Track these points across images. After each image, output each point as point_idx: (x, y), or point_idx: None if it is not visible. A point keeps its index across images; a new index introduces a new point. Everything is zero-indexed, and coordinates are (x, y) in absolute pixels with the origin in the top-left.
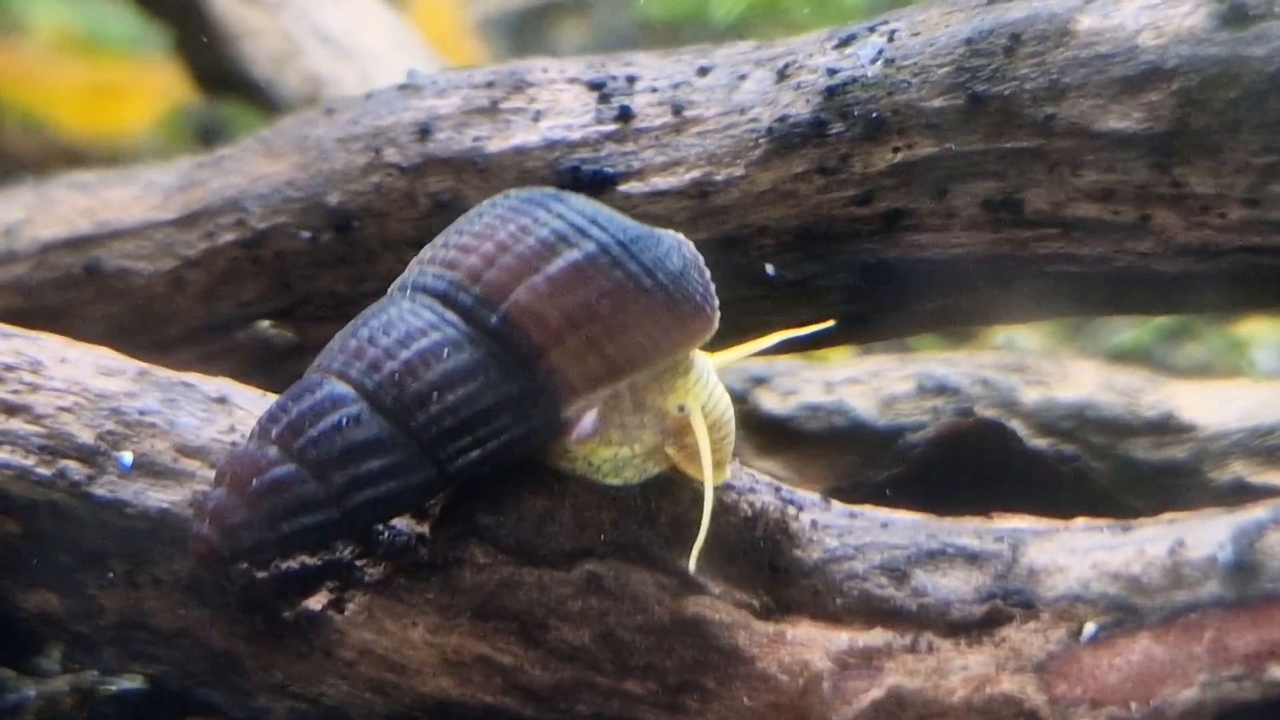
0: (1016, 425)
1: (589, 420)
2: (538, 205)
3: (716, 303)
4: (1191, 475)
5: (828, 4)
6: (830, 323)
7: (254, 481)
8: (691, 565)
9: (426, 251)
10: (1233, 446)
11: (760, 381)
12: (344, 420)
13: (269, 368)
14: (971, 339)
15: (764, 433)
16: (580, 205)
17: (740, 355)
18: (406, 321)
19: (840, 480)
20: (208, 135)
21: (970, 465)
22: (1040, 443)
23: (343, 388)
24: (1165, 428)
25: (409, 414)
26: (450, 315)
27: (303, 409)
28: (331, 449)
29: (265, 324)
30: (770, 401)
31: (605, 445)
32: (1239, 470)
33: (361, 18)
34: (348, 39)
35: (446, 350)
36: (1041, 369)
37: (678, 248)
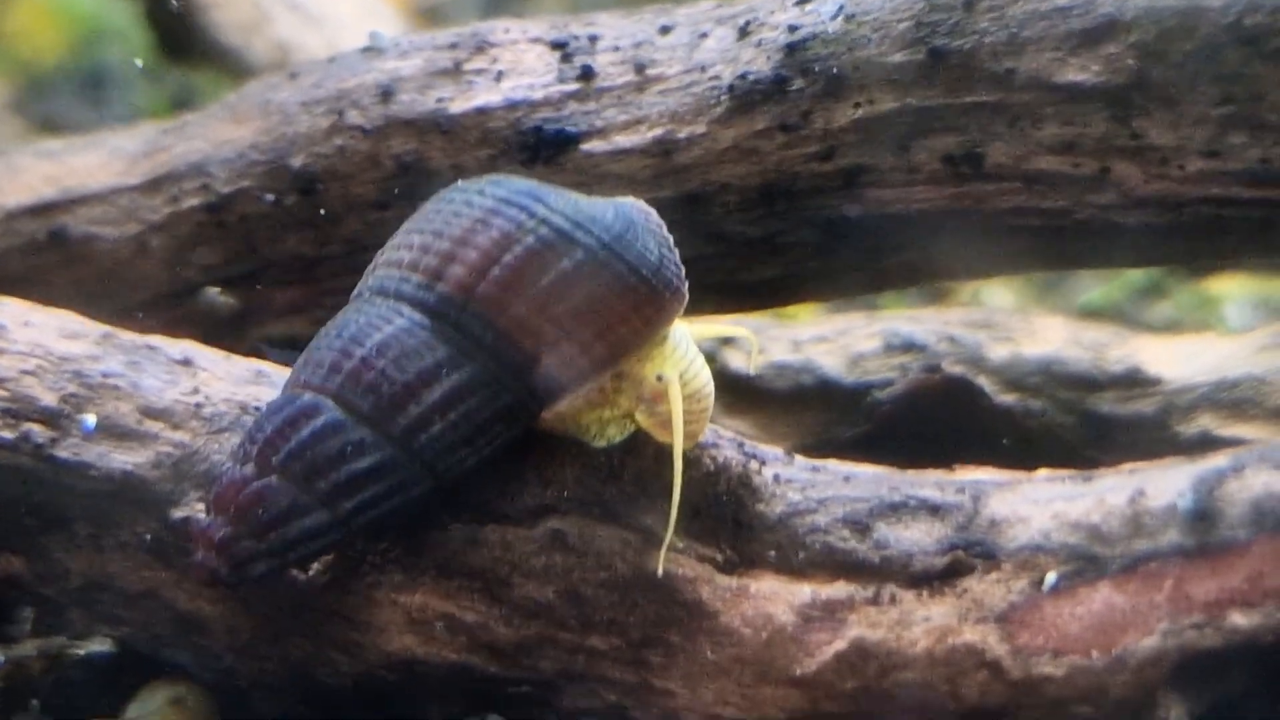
0: (984, 381)
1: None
2: (518, 207)
3: (684, 275)
4: (1158, 428)
5: None
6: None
7: (261, 512)
8: (665, 545)
9: (402, 253)
10: (1199, 400)
11: (728, 341)
12: (348, 448)
13: (217, 334)
14: (943, 297)
15: (732, 391)
16: (560, 204)
17: (716, 331)
18: (401, 342)
19: (808, 438)
20: None
21: (938, 421)
22: (1007, 398)
23: (340, 413)
24: (1132, 382)
25: (411, 436)
26: (444, 330)
27: (303, 436)
28: (338, 477)
29: (214, 290)
30: (738, 360)
31: (589, 408)
32: (1206, 423)
33: None
34: (315, 6)
35: (445, 370)
36: (1009, 325)
37: (649, 229)
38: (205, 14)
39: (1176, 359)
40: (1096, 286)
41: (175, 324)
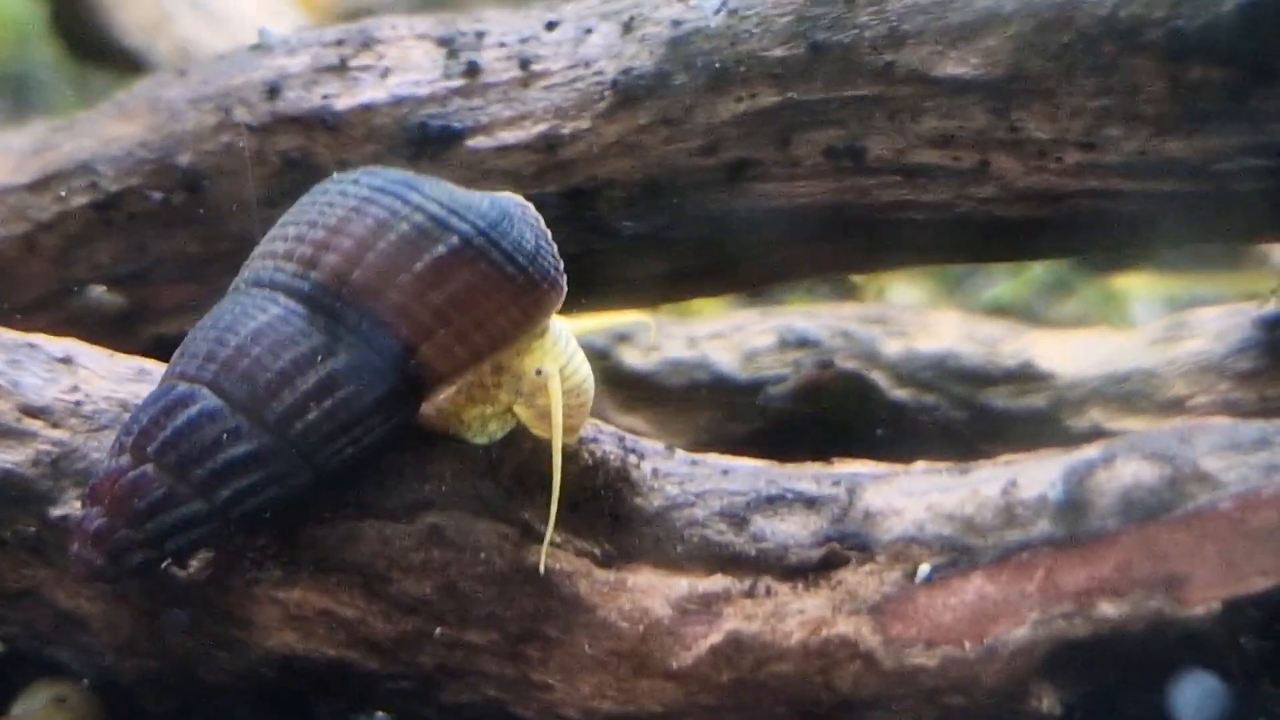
0: (878, 376)
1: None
2: (392, 195)
3: (563, 269)
4: (1050, 423)
5: None
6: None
7: (137, 502)
8: (546, 539)
9: (277, 244)
10: (1090, 394)
11: (623, 338)
12: (224, 435)
13: (108, 333)
14: (850, 294)
15: (626, 388)
16: (435, 192)
17: (597, 326)
18: (276, 330)
19: (702, 435)
20: None
21: (831, 417)
22: (902, 393)
23: (216, 401)
24: (1024, 376)
25: (287, 424)
26: (318, 318)
27: (179, 424)
28: (214, 465)
29: (99, 289)
30: (632, 357)
31: (470, 404)
32: (1096, 417)
33: None
34: (218, 5)
35: (320, 357)
36: (903, 320)
37: (525, 220)
38: (108, 14)
39: (1069, 354)
40: (1003, 283)
41: (65, 323)
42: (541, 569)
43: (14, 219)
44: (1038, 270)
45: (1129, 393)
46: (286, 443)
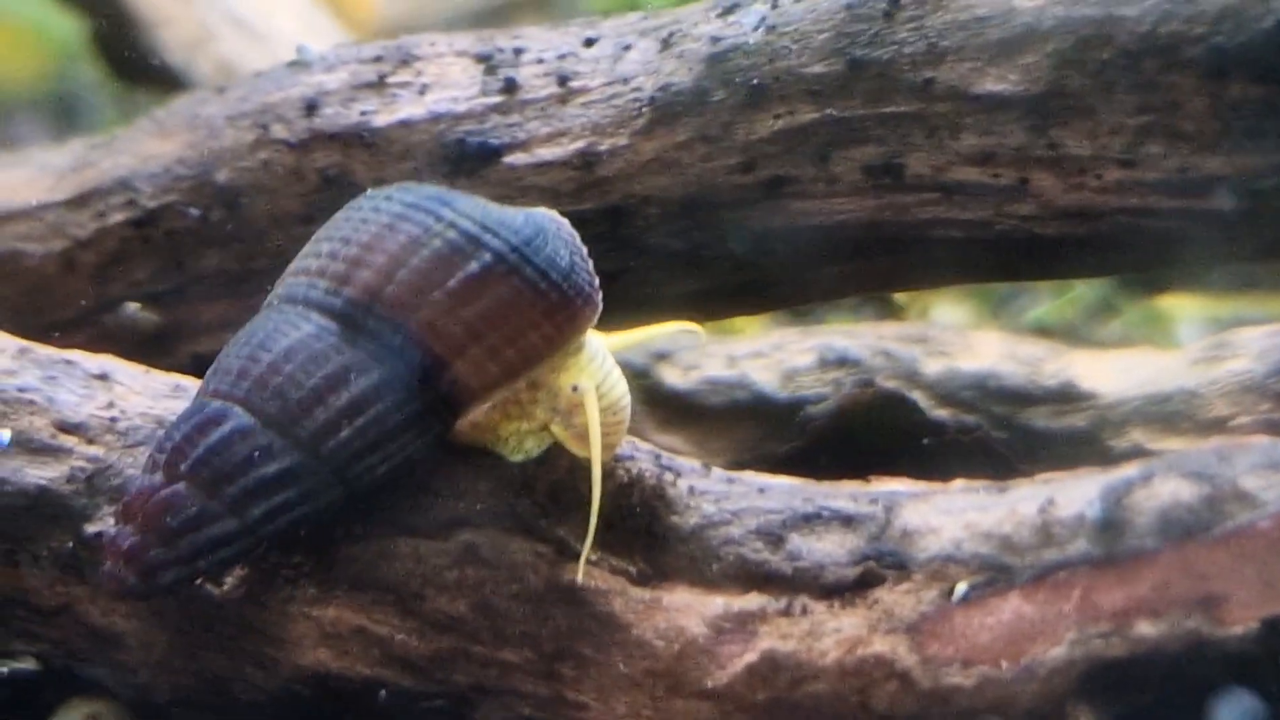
0: (918, 396)
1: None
2: (425, 211)
3: (598, 285)
4: (1091, 443)
5: None
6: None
7: (169, 520)
8: (583, 556)
9: (310, 261)
10: (1131, 414)
11: (662, 357)
12: (256, 453)
13: (144, 350)
14: (895, 315)
15: (666, 407)
16: (468, 208)
17: (635, 340)
18: (308, 346)
19: (742, 454)
20: None
21: (871, 436)
22: (942, 413)
23: (248, 418)
24: (1065, 396)
25: (319, 441)
26: (351, 335)
27: (211, 442)
28: (246, 483)
29: (134, 306)
30: (672, 376)
31: (506, 420)
32: (1138, 437)
33: (274, 2)
34: (260, 23)
35: (353, 374)
36: (944, 340)
37: (560, 236)
38: (150, 33)
39: (1111, 373)
40: (1047, 303)
41: (102, 340)
42: (579, 579)
43: (52, 236)
44: (1081, 290)
45: (1170, 413)
46: (318, 460)
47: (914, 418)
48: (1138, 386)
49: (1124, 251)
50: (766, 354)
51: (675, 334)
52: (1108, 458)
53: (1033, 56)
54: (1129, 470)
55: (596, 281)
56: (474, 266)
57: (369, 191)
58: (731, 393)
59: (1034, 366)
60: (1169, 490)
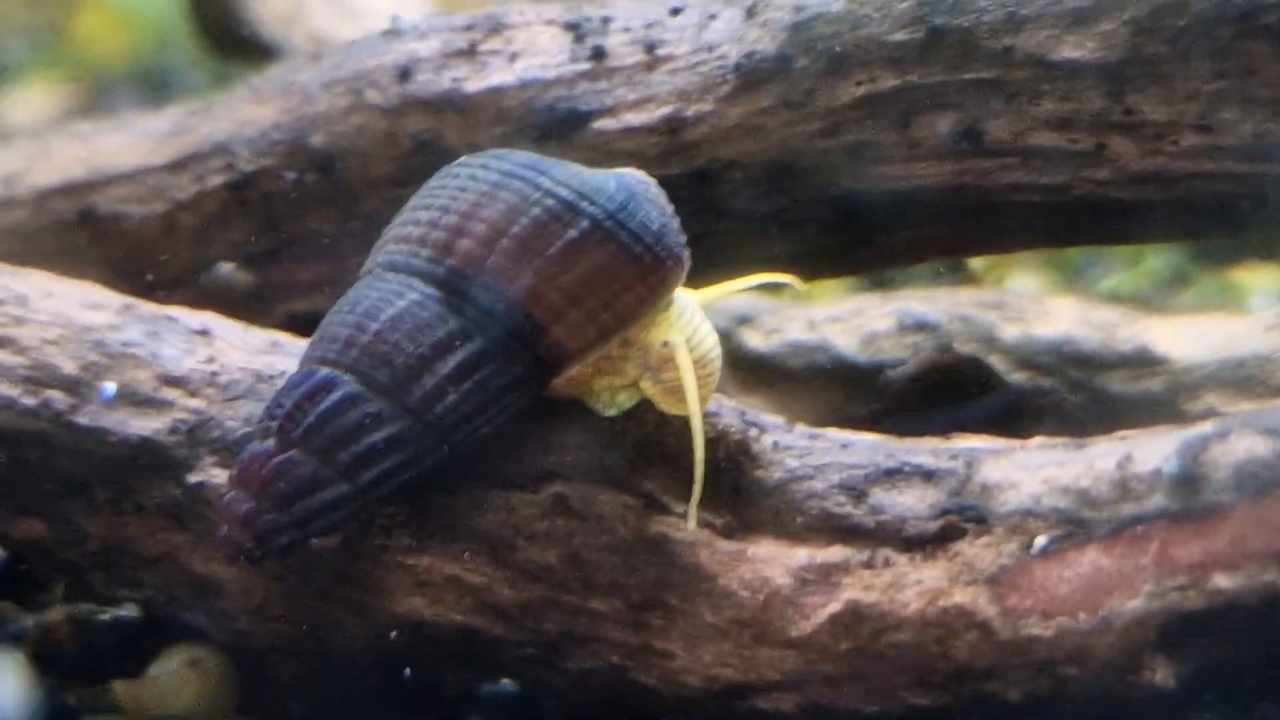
0: (995, 360)
1: None
2: (522, 180)
3: (685, 243)
4: (1166, 406)
5: None
6: (821, 281)
7: (283, 485)
8: (691, 521)
9: (410, 229)
10: (1206, 378)
11: (744, 320)
12: (366, 419)
13: (241, 309)
14: (971, 282)
15: (747, 369)
16: (564, 176)
17: (722, 293)
18: (414, 315)
19: (822, 416)
20: None
21: (948, 399)
22: (1019, 377)
23: (357, 386)
24: (1140, 361)
25: (426, 407)
26: (454, 302)
27: (322, 409)
28: (357, 448)
29: (228, 266)
30: (754, 339)
31: (599, 375)
32: (1212, 401)
33: None
34: None
35: (457, 341)
36: (1020, 306)
37: (649, 199)
38: (244, 8)
39: (1185, 338)
40: (1120, 273)
41: (201, 299)
42: (691, 525)
43: (153, 199)
44: (1155, 261)
45: (1245, 377)
46: (425, 425)
47: (991, 381)
48: (1211, 351)
49: (1199, 216)
50: (846, 319)
51: (758, 294)
52: (1182, 421)
53: (1110, 24)
54: (1205, 427)
55: (684, 240)
56: (572, 233)
57: (463, 158)
58: (812, 356)
59: (1109, 332)
60: (1245, 446)
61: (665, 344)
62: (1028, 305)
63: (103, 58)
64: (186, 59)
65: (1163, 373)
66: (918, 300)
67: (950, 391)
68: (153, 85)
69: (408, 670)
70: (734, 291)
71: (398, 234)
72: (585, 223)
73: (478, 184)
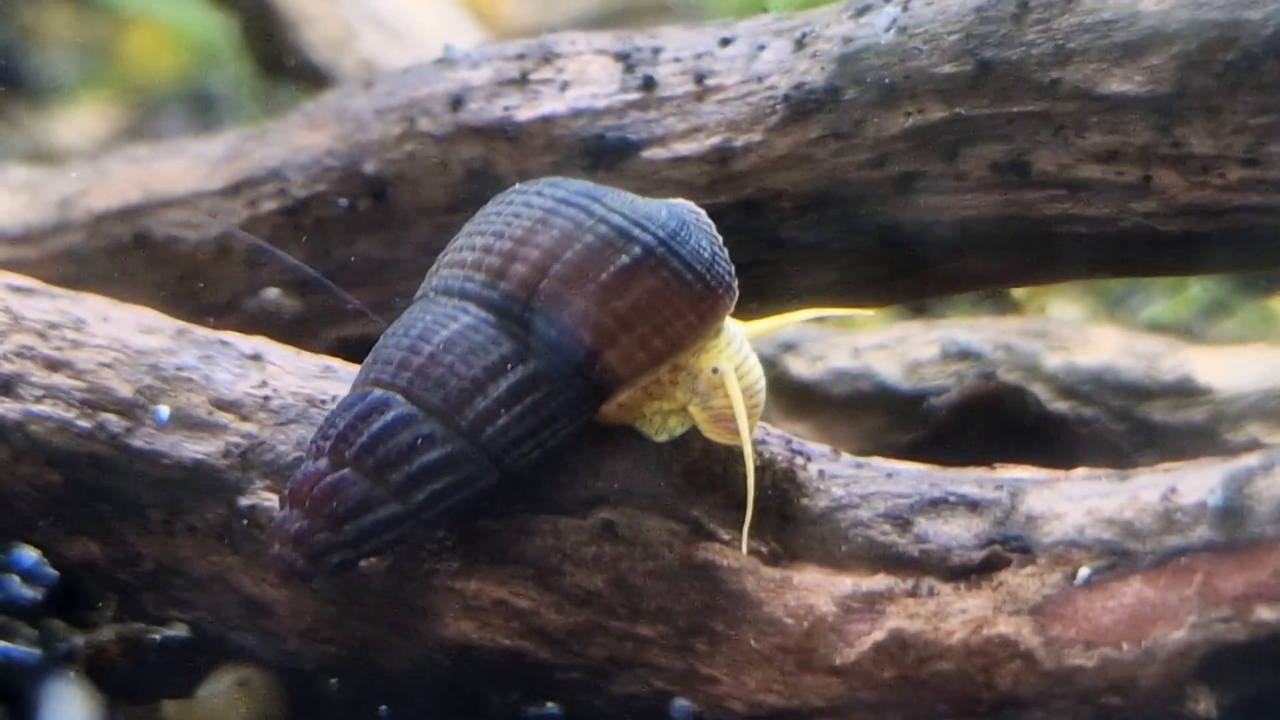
0: (1038, 389)
1: None
2: (576, 206)
3: (734, 272)
4: (1208, 436)
5: None
6: (867, 311)
7: (336, 505)
8: (743, 547)
9: (465, 254)
10: (1248, 409)
11: (789, 347)
12: (419, 440)
13: (290, 333)
14: (1013, 311)
15: (792, 396)
16: (616, 203)
17: (772, 327)
18: (468, 338)
19: (866, 443)
20: None
21: (992, 427)
22: (1061, 405)
23: (410, 407)
24: (1183, 391)
25: (478, 429)
26: (508, 326)
27: (375, 430)
28: (410, 469)
29: (275, 292)
30: (799, 366)
31: (649, 400)
32: (1254, 431)
33: (415, 2)
34: (400, 23)
35: (510, 365)
36: (1063, 335)
37: (700, 228)
38: (296, 32)
39: (1227, 368)
40: (1162, 302)
41: (253, 323)
42: (744, 550)
43: (207, 223)
44: (1196, 290)
45: None
46: (477, 447)
47: (1033, 410)
48: (1254, 382)
49: (1246, 249)
50: (890, 346)
51: (803, 323)
52: (1224, 451)
53: (1158, 58)
54: (1250, 459)
55: (733, 269)
56: (625, 260)
57: (517, 186)
58: (856, 383)
59: (1152, 361)
60: None
61: (715, 370)
62: (1071, 334)
63: (151, 77)
64: (234, 80)
65: (1205, 403)
66: (962, 329)
67: (993, 420)
68: (200, 106)
69: (455, 693)
70: (785, 325)
71: (452, 259)
72: (638, 249)
73: (532, 210)
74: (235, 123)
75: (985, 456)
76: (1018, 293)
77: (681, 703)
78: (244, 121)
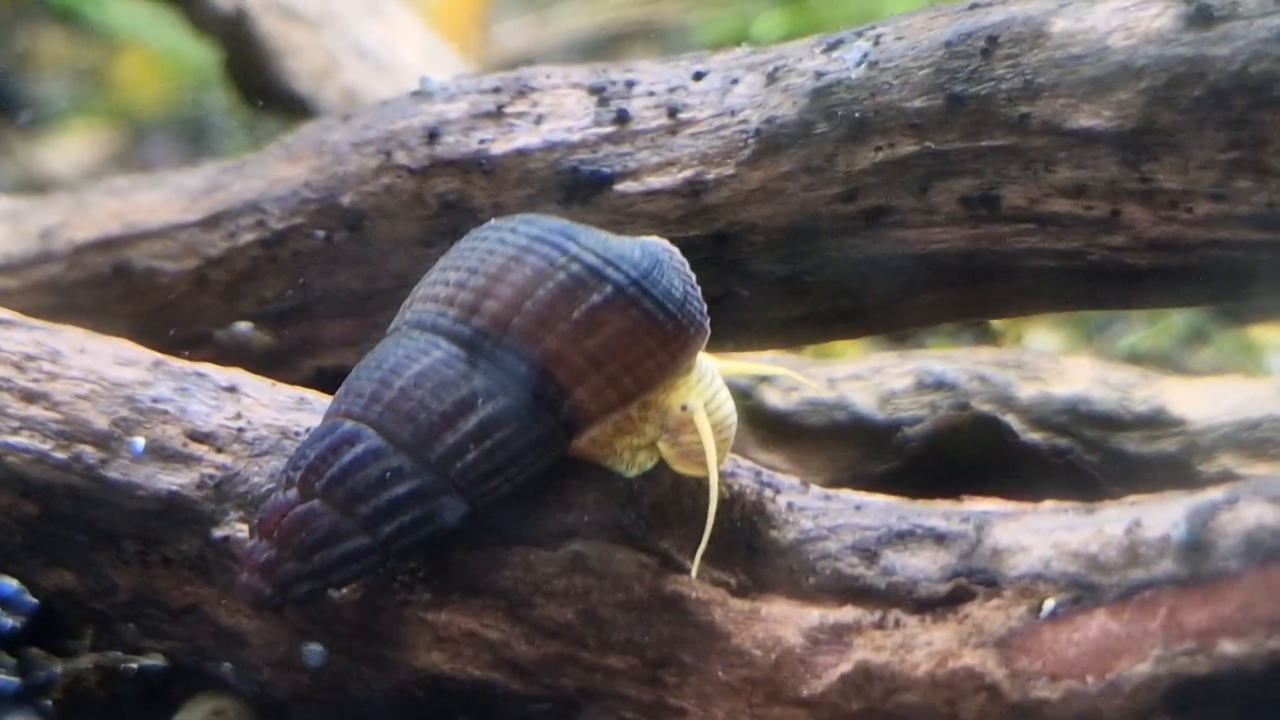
0: (1012, 420)
1: None
2: (550, 244)
3: (706, 311)
4: (1181, 467)
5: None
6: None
7: (305, 536)
8: (694, 570)
9: (439, 289)
10: (1221, 440)
11: (764, 378)
12: (387, 474)
13: (266, 365)
14: (991, 340)
15: (767, 427)
16: (590, 242)
17: (744, 370)
18: (439, 373)
19: (840, 473)
20: None
21: (965, 458)
22: (1035, 436)
23: (380, 440)
24: (1156, 422)
25: (447, 464)
26: (479, 362)
27: (345, 462)
28: (378, 502)
29: (245, 325)
30: (773, 397)
31: (618, 435)
32: (1227, 462)
33: (398, 34)
34: (385, 54)
35: (480, 400)
36: (1038, 365)
37: (673, 267)
38: (279, 62)
39: (1201, 400)
40: (1140, 331)
41: (232, 356)
42: (693, 574)
43: (186, 254)
44: (1175, 319)
45: (1260, 439)
46: (446, 481)
47: (1007, 440)
48: (1227, 413)
49: (1213, 283)
50: (865, 377)
51: (779, 344)
52: (1197, 482)
53: (1125, 93)
54: (1215, 493)
55: (705, 308)
56: (596, 299)
57: (492, 222)
58: (831, 413)
59: (1125, 392)
60: (1254, 514)
61: (684, 407)
62: (1046, 365)
63: (142, 103)
64: (224, 106)
65: (1178, 434)
66: (937, 359)
67: (967, 451)
68: (191, 132)
69: None
70: (758, 371)
71: (426, 293)
72: (609, 288)
73: (506, 247)
74: (223, 149)
75: (959, 487)
76: (996, 323)
77: None
78: (232, 149)
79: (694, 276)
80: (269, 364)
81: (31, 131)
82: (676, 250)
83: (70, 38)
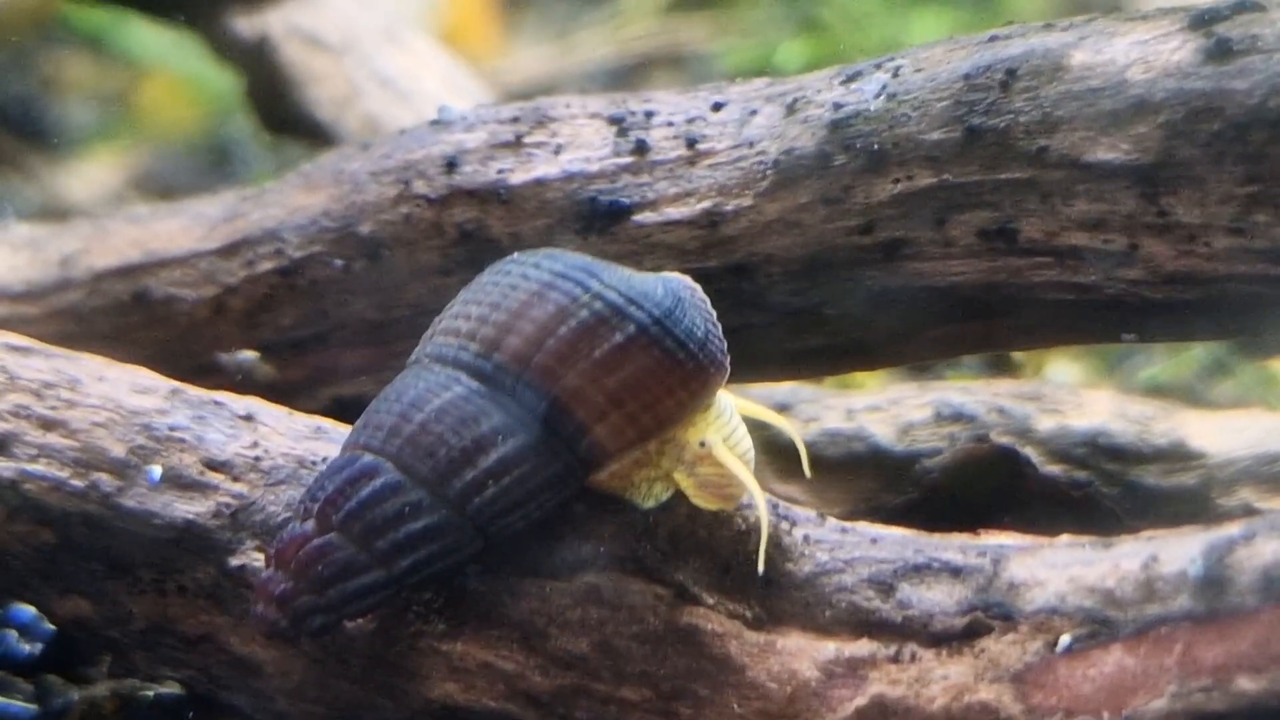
0: (1030, 452)
1: None
2: (573, 281)
3: (726, 349)
4: (1200, 501)
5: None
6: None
7: (321, 569)
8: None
9: (460, 323)
10: (1240, 473)
11: (783, 408)
12: (405, 508)
13: (283, 394)
14: (1011, 372)
15: (785, 458)
16: (613, 279)
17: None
18: (459, 408)
19: (858, 504)
20: None
21: (984, 490)
22: (1053, 469)
23: (399, 475)
24: (1175, 455)
25: (465, 500)
26: (499, 398)
27: (363, 496)
28: (395, 536)
29: (250, 354)
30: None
31: (635, 468)
32: (1246, 496)
33: (419, 62)
34: (406, 82)
35: (500, 437)
36: (1057, 398)
37: (695, 305)
38: (300, 89)
39: (1221, 433)
40: (1161, 363)
41: (236, 383)
42: (759, 568)
43: (204, 282)
44: (1196, 351)
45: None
46: (464, 517)
47: (1026, 473)
48: (1247, 447)
49: (1232, 317)
50: (884, 408)
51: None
52: (1216, 516)
53: (1144, 127)
54: (1232, 529)
55: (725, 346)
56: (618, 338)
57: (515, 255)
58: (849, 445)
59: (1144, 425)
60: (1271, 550)
61: (702, 444)
62: (1065, 397)
63: (165, 128)
64: (247, 131)
65: (1198, 467)
66: (955, 391)
67: (986, 483)
68: (213, 158)
69: None
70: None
71: (447, 326)
72: (632, 327)
73: (529, 283)
74: (246, 174)
75: (978, 519)
76: (1016, 355)
77: None
78: (253, 174)
79: (714, 314)
80: (286, 393)
81: (55, 155)
82: (699, 287)
83: (95, 63)
